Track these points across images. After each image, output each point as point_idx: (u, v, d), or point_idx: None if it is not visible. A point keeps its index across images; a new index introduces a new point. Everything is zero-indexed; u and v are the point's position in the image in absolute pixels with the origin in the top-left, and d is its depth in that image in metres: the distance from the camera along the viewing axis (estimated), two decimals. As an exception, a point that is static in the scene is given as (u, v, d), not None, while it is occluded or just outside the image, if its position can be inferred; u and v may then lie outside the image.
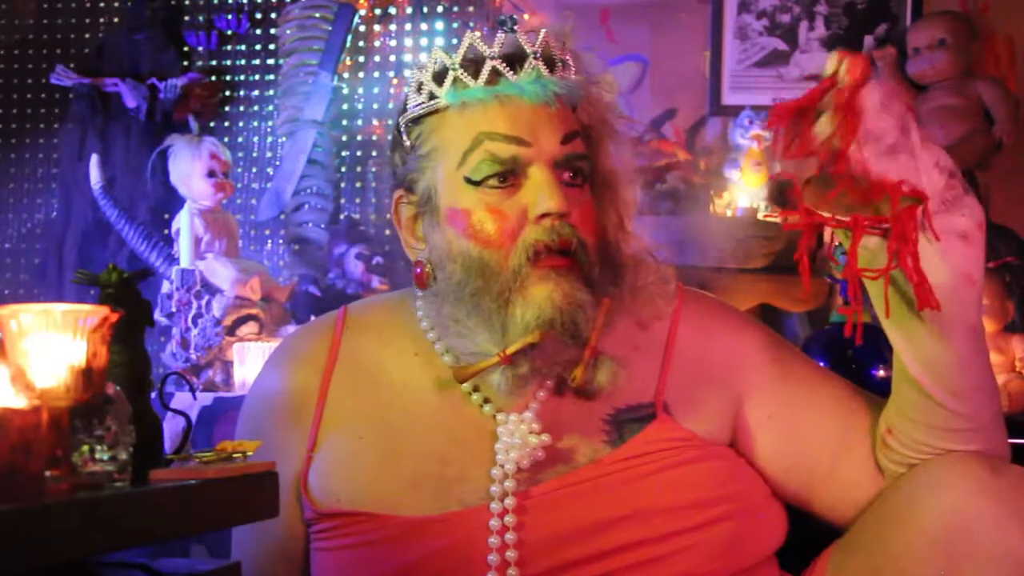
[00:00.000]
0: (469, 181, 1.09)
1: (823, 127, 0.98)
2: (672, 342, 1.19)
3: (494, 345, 1.09)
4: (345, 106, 4.05)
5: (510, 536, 1.08)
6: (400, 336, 1.20)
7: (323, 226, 3.91)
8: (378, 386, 1.18)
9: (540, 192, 1.08)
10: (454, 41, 1.12)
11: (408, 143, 1.15)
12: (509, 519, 1.08)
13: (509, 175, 1.09)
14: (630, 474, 1.10)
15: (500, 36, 1.11)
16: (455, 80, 1.10)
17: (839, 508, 1.17)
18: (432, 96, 1.12)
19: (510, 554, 1.07)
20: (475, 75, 1.10)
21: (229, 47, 4.17)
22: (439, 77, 1.12)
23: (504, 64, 1.10)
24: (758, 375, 1.19)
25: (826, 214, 0.99)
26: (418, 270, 1.13)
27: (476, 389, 1.15)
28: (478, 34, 1.11)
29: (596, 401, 1.14)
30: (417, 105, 1.13)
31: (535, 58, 1.11)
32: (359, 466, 1.14)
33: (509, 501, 1.08)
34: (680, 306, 1.21)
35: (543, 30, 1.12)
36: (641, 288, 1.14)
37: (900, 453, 1.12)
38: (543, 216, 1.08)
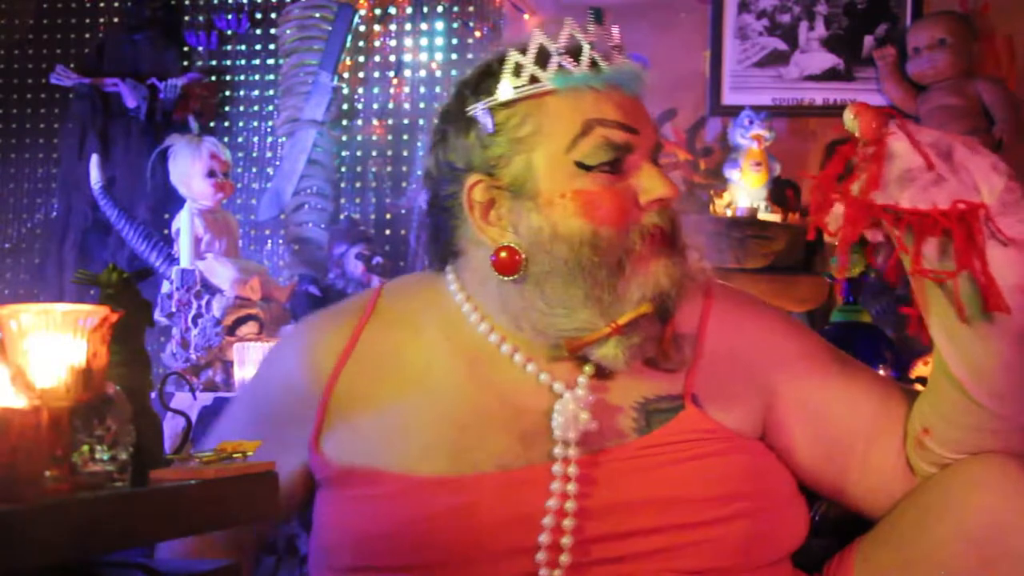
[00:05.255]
0: (581, 166, 1.10)
1: (858, 187, 1.01)
2: (703, 335, 1.19)
3: (599, 319, 1.10)
4: (345, 106, 4.05)
5: (553, 502, 1.09)
6: (432, 321, 1.20)
7: (323, 226, 3.91)
8: (397, 369, 1.18)
9: (652, 179, 1.12)
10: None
11: (492, 127, 1.13)
12: (570, 487, 1.09)
13: (617, 162, 1.11)
14: (653, 461, 1.11)
15: (591, 27, 1.13)
16: (559, 66, 1.11)
17: (873, 498, 1.17)
18: (534, 79, 1.11)
19: (549, 521, 1.08)
20: (576, 61, 1.11)
21: (229, 47, 4.17)
22: (541, 61, 1.12)
23: (599, 54, 1.12)
24: (791, 367, 1.20)
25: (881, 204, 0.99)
26: (494, 257, 1.12)
27: (530, 360, 1.15)
28: (573, 22, 1.13)
29: (628, 389, 1.15)
30: (517, 88, 1.12)
31: (622, 50, 1.14)
32: (371, 435, 1.15)
33: (572, 469, 1.10)
34: (712, 301, 1.22)
35: (615, 27, 1.16)
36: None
37: (936, 454, 1.12)
38: (656, 202, 1.11)
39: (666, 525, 1.08)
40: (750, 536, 1.11)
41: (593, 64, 1.11)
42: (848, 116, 1.00)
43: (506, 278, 1.12)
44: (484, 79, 1.15)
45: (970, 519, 1.05)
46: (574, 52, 1.12)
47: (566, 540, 1.07)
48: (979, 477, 1.07)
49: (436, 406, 1.14)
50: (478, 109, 1.13)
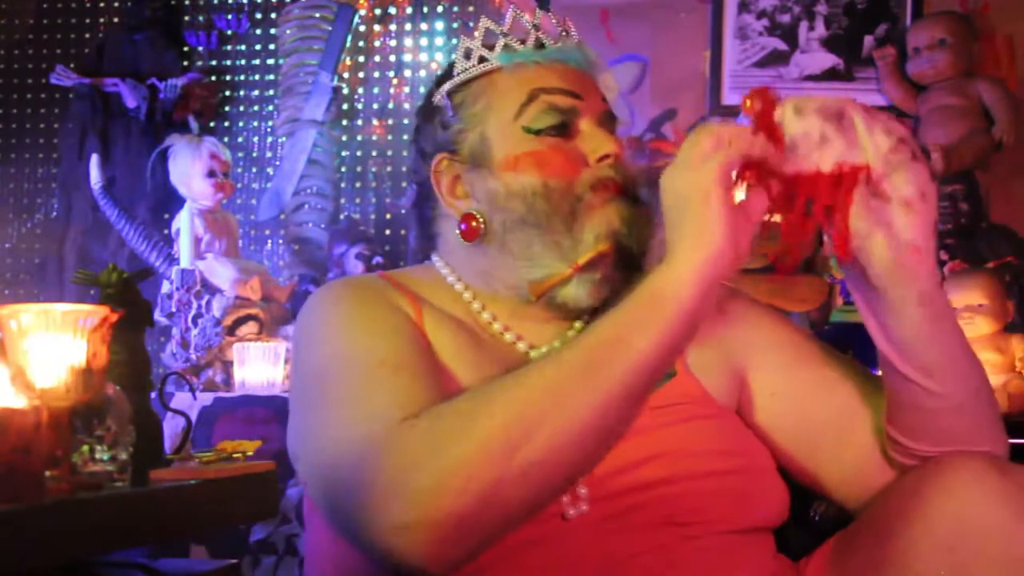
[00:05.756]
0: (529, 131, 1.18)
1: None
2: None
3: (561, 264, 1.15)
4: (345, 106, 4.06)
5: None
6: (439, 292, 1.23)
7: (323, 226, 3.91)
8: (459, 326, 1.19)
9: (596, 138, 1.18)
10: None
11: (451, 110, 1.22)
12: None
13: (564, 127, 1.18)
14: (654, 422, 1.13)
15: (539, 12, 1.22)
16: (505, 45, 1.21)
17: (848, 489, 1.19)
18: (483, 60, 1.21)
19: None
20: (522, 42, 1.21)
21: (229, 47, 4.18)
22: (488, 44, 1.21)
23: (544, 35, 1.21)
24: (766, 353, 1.22)
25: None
26: (463, 226, 1.18)
27: (507, 329, 1.19)
28: (518, 9, 1.22)
29: None
30: (467, 70, 1.21)
31: (568, 34, 1.22)
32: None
33: None
34: None
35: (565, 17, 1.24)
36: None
37: (902, 444, 1.13)
38: (603, 158, 1.17)
39: (666, 477, 1.10)
40: (746, 491, 1.13)
41: (538, 44, 1.20)
42: (744, 101, 1.06)
43: (473, 244, 1.18)
44: (447, 70, 1.24)
45: (940, 523, 1.05)
46: (519, 33, 1.20)
47: (583, 490, 1.09)
48: (949, 480, 1.07)
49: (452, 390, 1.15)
50: (438, 95, 1.22)
